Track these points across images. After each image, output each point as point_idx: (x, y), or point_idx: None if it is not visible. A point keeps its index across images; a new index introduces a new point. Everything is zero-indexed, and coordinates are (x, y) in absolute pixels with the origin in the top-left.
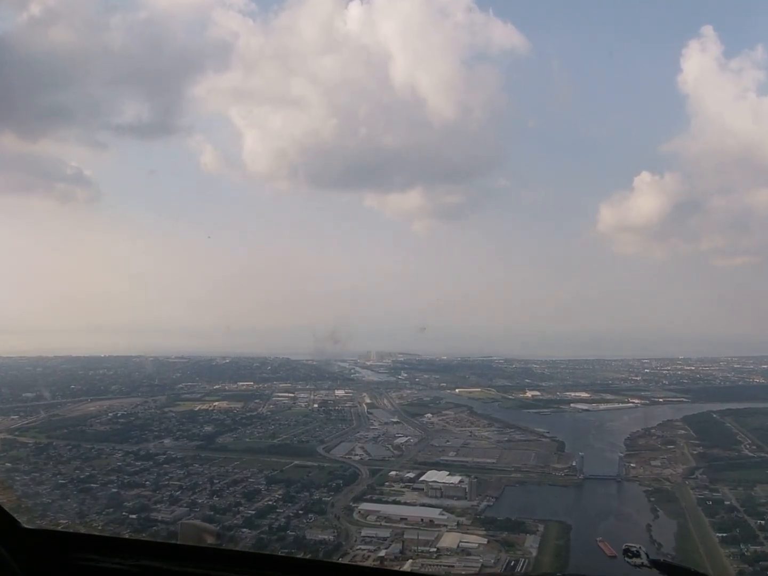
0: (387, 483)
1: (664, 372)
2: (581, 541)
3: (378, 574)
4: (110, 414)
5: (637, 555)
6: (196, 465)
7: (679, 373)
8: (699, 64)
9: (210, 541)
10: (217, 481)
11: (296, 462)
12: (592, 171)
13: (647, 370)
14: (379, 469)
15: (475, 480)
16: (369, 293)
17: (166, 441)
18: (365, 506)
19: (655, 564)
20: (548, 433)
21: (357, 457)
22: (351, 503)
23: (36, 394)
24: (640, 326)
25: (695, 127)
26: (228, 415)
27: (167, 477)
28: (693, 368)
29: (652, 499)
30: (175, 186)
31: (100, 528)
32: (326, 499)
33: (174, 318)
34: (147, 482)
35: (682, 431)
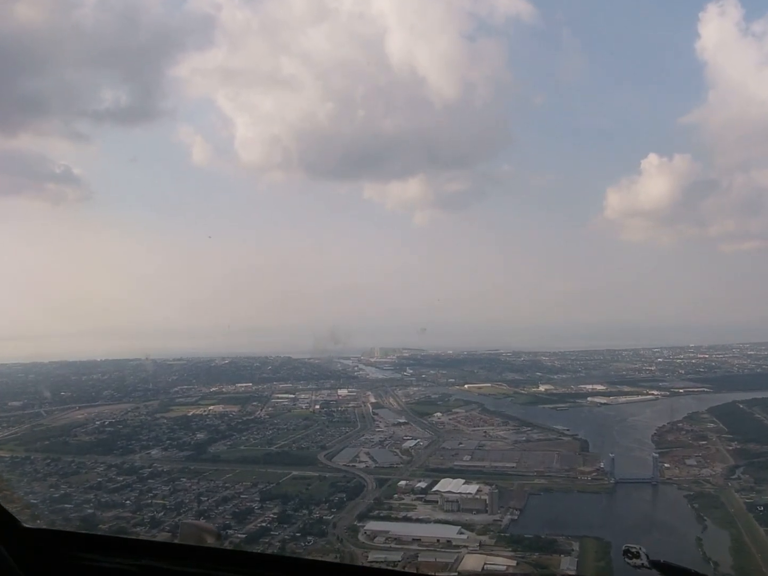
0: (396, 495)
1: (678, 361)
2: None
3: (378, 573)
4: (97, 422)
5: (637, 556)
6: (184, 479)
7: (694, 361)
8: (718, 28)
9: (210, 541)
10: (205, 498)
11: (294, 473)
12: (603, 151)
13: (660, 360)
14: (386, 478)
15: (496, 490)
16: (371, 288)
17: (154, 452)
18: (372, 525)
19: (655, 565)
20: (568, 430)
21: (362, 465)
22: (356, 522)
23: (23, 403)
24: (648, 315)
25: (715, 98)
26: (223, 420)
27: (150, 494)
28: (707, 356)
29: (695, 505)
30: (165, 180)
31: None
32: (327, 517)
33: (173, 319)
34: (128, 501)
35: (711, 424)
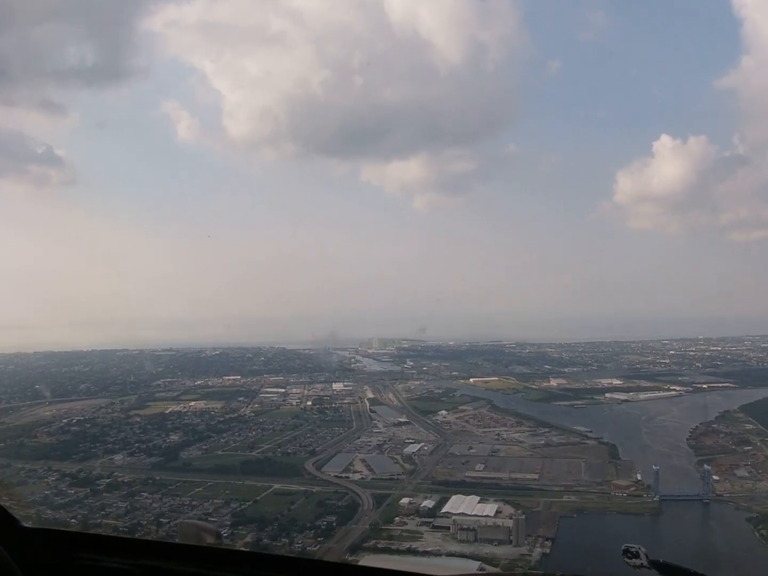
0: (397, 518)
1: (691, 353)
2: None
3: (378, 573)
4: (64, 420)
5: (636, 556)
6: (146, 494)
7: (707, 354)
8: None
9: (210, 540)
10: (166, 519)
11: (276, 486)
12: (617, 128)
13: (672, 352)
14: (385, 494)
15: (523, 516)
16: (369, 277)
17: (118, 457)
18: (368, 560)
19: (654, 565)
20: (591, 432)
21: (357, 476)
22: (347, 555)
23: None
24: (653, 306)
25: (751, 62)
26: (203, 419)
27: (102, 513)
28: (719, 348)
29: (762, 531)
30: (148, 158)
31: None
32: (312, 548)
33: (167, 309)
34: (73, 520)
35: (749, 425)
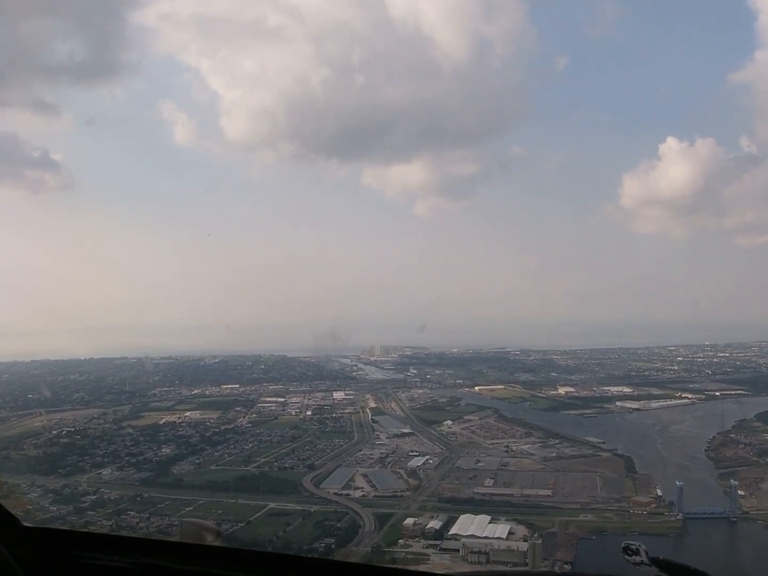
0: (402, 540)
1: (699, 360)
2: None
3: (378, 572)
4: (54, 432)
5: (636, 553)
6: (132, 513)
7: (716, 360)
8: None
9: (210, 539)
10: None
11: (272, 505)
12: (628, 128)
13: (680, 359)
14: (388, 513)
15: (539, 541)
16: (371, 283)
17: (106, 471)
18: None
19: (654, 562)
20: (604, 443)
21: (358, 493)
22: None
23: None
24: (657, 312)
25: (765, 56)
26: (197, 430)
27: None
28: (727, 355)
29: None
30: (144, 161)
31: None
32: None
33: (167, 316)
34: None
35: None
